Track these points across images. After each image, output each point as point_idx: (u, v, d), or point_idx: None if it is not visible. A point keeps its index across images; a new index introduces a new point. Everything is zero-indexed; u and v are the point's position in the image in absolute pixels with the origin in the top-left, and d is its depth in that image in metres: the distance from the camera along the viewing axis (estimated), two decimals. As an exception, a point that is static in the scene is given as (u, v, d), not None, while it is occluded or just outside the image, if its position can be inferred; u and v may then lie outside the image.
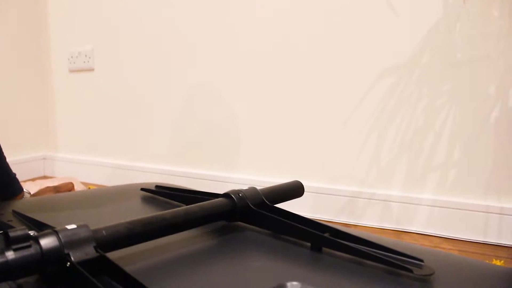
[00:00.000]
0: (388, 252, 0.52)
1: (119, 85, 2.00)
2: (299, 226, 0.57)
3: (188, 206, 0.58)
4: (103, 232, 0.49)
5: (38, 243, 0.42)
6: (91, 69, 2.07)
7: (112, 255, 0.46)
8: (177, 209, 0.56)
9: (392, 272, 0.50)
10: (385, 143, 1.43)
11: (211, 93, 1.74)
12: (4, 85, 2.05)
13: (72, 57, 2.11)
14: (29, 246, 0.41)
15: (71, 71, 2.14)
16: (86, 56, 2.06)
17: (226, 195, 0.62)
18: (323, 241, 0.55)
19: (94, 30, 2.04)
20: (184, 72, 1.79)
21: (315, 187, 1.54)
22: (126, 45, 1.94)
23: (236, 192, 0.62)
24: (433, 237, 1.37)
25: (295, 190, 0.70)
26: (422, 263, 0.50)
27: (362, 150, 1.46)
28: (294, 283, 0.46)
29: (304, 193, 1.51)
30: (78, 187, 1.65)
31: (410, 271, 0.48)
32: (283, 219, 0.58)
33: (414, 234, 1.40)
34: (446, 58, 1.34)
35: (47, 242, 0.44)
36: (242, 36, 1.63)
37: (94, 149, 2.13)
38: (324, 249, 0.56)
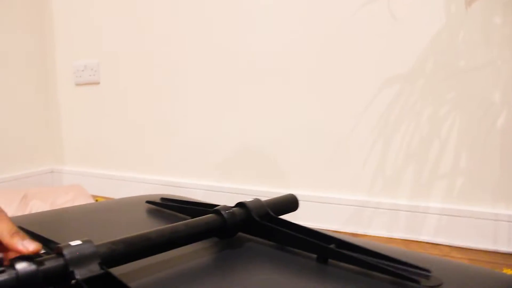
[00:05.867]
0: (394, 262, 0.52)
1: (125, 97, 2.01)
2: (304, 237, 0.56)
3: (194, 219, 0.58)
4: (107, 247, 0.48)
5: (14, 269, 0.41)
6: (97, 83, 2.09)
7: (116, 270, 0.46)
8: (187, 221, 0.55)
9: (399, 283, 0.49)
10: (390, 152, 1.42)
11: (220, 103, 1.74)
12: (11, 100, 2.07)
13: (78, 70, 2.13)
14: (3, 271, 0.40)
15: (77, 84, 2.15)
16: (92, 69, 2.08)
17: (216, 211, 0.62)
18: (329, 252, 0.54)
19: (100, 44, 2.05)
20: (193, 84, 1.79)
21: (322, 196, 1.53)
22: (132, 58, 1.95)
23: (226, 208, 0.61)
24: (442, 246, 1.36)
25: (293, 203, 0.70)
26: (430, 274, 0.49)
27: (367, 159, 1.46)
28: (300, 295, 0.45)
29: (311, 203, 1.51)
30: (82, 196, 1.66)
31: (417, 282, 0.48)
32: (288, 231, 0.58)
33: (423, 243, 1.39)
34: (449, 66, 1.34)
35: (51, 262, 0.44)
36: (247, 49, 1.64)
37: (101, 161, 2.14)
38: (330, 260, 0.55)
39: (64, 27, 2.18)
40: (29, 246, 0.46)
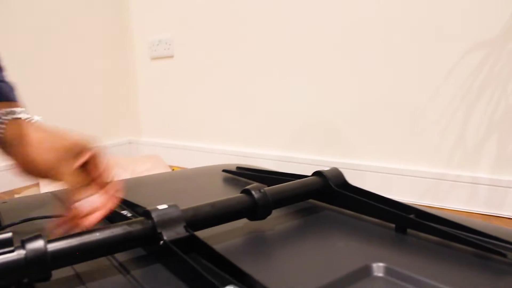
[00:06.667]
0: (478, 235, 0.50)
1: (197, 70, 2.05)
2: (384, 207, 0.56)
3: (276, 185, 0.59)
4: (192, 212, 0.50)
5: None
6: (171, 56, 2.14)
7: (199, 234, 0.48)
8: (266, 189, 0.56)
9: (482, 256, 0.47)
10: (472, 122, 1.35)
11: (293, 75, 1.73)
12: (93, 76, 2.18)
13: (153, 45, 2.20)
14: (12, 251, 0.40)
15: (152, 58, 2.23)
16: (166, 43, 2.14)
17: (315, 174, 0.62)
18: (409, 222, 0.54)
19: (173, 18, 2.10)
20: (265, 55, 1.80)
21: (396, 168, 1.49)
22: (204, 32, 1.98)
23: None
24: (526, 222, 1.29)
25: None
26: (517, 247, 0.47)
27: (446, 129, 1.39)
28: (380, 264, 0.45)
29: (385, 174, 1.48)
30: (160, 165, 1.74)
31: (503, 255, 0.46)
32: (367, 200, 0.58)
33: (506, 219, 1.32)
34: (542, 29, 1.24)
35: (141, 224, 0.47)
36: (321, 21, 1.61)
37: (175, 132, 2.21)
38: (409, 230, 0.54)
39: (139, 2, 2.25)
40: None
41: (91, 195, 0.50)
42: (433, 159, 1.43)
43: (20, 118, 0.54)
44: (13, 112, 0.54)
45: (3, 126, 0.53)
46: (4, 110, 0.54)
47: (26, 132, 0.52)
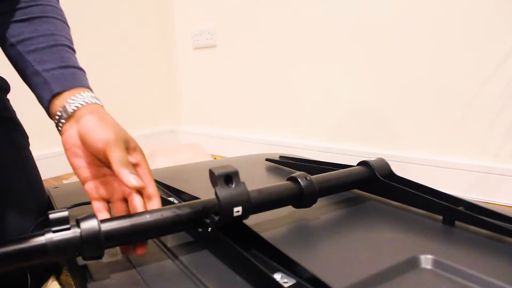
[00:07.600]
0: (531, 229, 0.48)
1: (240, 60, 2.06)
2: (431, 198, 0.55)
3: (322, 174, 0.59)
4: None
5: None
6: (214, 46, 2.16)
7: (245, 220, 0.48)
8: (312, 178, 0.56)
9: (537, 251, 0.46)
10: (524, 113, 1.30)
11: (335, 64, 1.72)
12: (136, 65, 2.22)
13: (195, 35, 2.22)
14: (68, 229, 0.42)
15: (195, 48, 2.25)
16: (208, 33, 2.15)
17: (361, 164, 0.61)
18: (457, 214, 0.52)
19: (215, 8, 2.11)
20: (307, 46, 1.78)
21: (441, 161, 1.46)
22: (246, 22, 1.98)
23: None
24: None
25: None
26: None
27: (496, 120, 1.35)
28: (428, 256, 0.44)
29: (429, 167, 1.45)
30: (202, 154, 1.76)
31: (560, 251, 0.44)
32: (414, 191, 0.57)
33: (557, 214, 1.26)
34: None
35: (192, 207, 0.48)
36: (367, 9, 1.58)
37: (216, 121, 2.24)
38: (457, 223, 0.53)
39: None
40: (134, 181, 0.47)
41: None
42: (481, 151, 1.39)
43: (88, 103, 0.56)
44: (82, 97, 0.57)
45: (65, 116, 0.55)
46: (71, 98, 0.56)
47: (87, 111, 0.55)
